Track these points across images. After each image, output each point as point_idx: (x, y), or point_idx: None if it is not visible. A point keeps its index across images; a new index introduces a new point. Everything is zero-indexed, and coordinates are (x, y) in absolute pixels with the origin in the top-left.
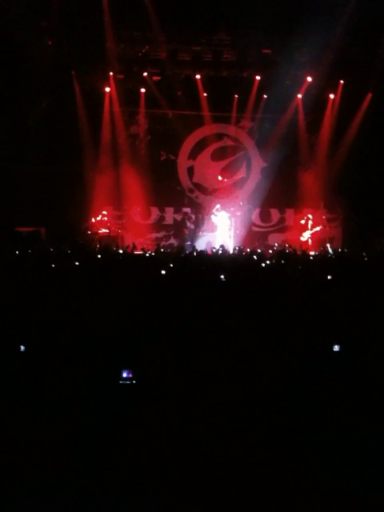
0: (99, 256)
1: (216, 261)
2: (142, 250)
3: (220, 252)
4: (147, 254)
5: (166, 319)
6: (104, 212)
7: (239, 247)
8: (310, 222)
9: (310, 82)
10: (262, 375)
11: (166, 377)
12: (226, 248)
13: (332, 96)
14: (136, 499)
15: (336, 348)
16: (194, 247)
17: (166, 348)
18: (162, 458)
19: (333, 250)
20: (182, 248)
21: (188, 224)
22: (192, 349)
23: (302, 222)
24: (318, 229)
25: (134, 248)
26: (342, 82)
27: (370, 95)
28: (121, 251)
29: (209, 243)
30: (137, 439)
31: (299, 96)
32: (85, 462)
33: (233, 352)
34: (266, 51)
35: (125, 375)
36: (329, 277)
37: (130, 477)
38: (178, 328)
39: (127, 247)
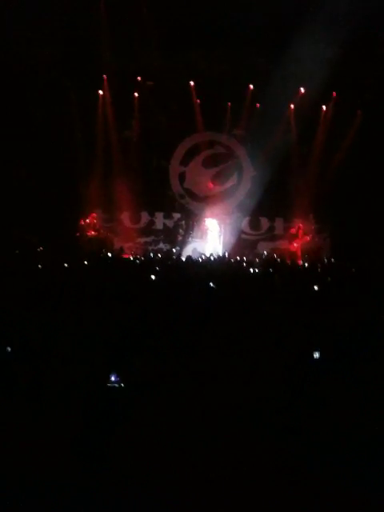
0: (86, 262)
1: (206, 267)
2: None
3: (212, 259)
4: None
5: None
6: (93, 214)
7: (224, 254)
8: (301, 232)
9: (303, 93)
10: (262, 375)
11: (166, 377)
12: (217, 255)
13: (324, 107)
14: (136, 499)
15: (316, 355)
16: (180, 253)
17: (165, 349)
18: (162, 457)
19: None
20: (170, 253)
21: (179, 230)
22: (191, 349)
23: (293, 231)
24: (307, 239)
25: (122, 252)
26: (334, 93)
27: (362, 108)
28: (109, 255)
29: (195, 250)
30: (137, 439)
31: (292, 106)
32: (85, 462)
33: (232, 352)
34: (261, 61)
35: (113, 379)
36: (315, 287)
37: (130, 477)
38: (173, 330)
39: (117, 251)
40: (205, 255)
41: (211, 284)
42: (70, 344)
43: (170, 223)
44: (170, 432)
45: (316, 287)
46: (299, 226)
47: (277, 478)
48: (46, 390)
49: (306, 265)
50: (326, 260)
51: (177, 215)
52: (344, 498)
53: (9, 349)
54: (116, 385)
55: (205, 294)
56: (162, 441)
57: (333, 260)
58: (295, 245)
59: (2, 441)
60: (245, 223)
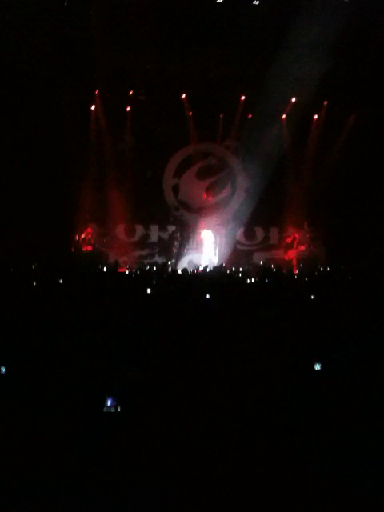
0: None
1: (201, 279)
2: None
3: (208, 270)
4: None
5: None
6: (88, 229)
7: (220, 265)
8: (296, 242)
9: (294, 102)
10: (262, 376)
11: (166, 377)
12: (213, 266)
13: (316, 116)
14: (136, 499)
15: (317, 367)
16: (176, 265)
17: (166, 351)
18: (162, 457)
19: None
20: (165, 266)
21: (175, 243)
22: (191, 352)
23: (289, 241)
24: (302, 248)
25: (118, 265)
26: (326, 102)
27: (353, 116)
28: (105, 269)
29: (191, 262)
30: (137, 439)
31: (284, 116)
32: (85, 462)
33: (232, 355)
34: (253, 71)
35: (109, 403)
36: (312, 296)
37: (130, 477)
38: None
39: (113, 264)
40: (201, 267)
41: (208, 296)
42: (70, 345)
43: (165, 236)
44: (169, 433)
45: (313, 296)
46: (295, 235)
47: (277, 478)
48: (46, 390)
49: (302, 273)
50: (321, 268)
51: (172, 227)
52: (344, 498)
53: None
54: (112, 409)
55: (203, 305)
56: (161, 441)
57: (328, 268)
58: (290, 254)
59: (2, 441)
60: (240, 233)
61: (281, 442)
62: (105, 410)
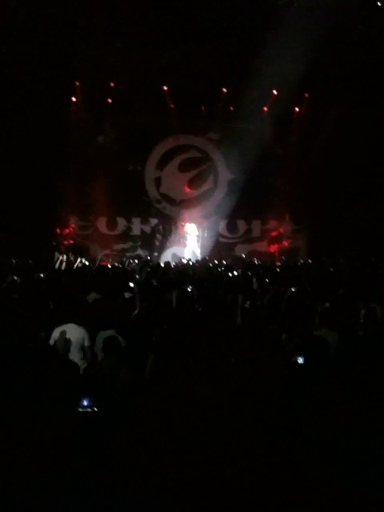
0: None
1: (184, 272)
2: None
3: (191, 263)
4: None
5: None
6: (71, 223)
7: (203, 258)
8: (281, 236)
9: (275, 95)
10: (262, 375)
11: (166, 377)
12: (196, 259)
13: (297, 109)
14: (136, 499)
15: (300, 360)
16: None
17: (164, 349)
18: (162, 457)
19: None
20: (147, 260)
21: (157, 235)
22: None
23: (274, 234)
24: (285, 241)
25: (101, 260)
26: (307, 94)
27: (335, 108)
28: (87, 263)
29: (174, 255)
30: (136, 439)
31: (265, 108)
32: (85, 462)
33: (231, 353)
34: (234, 64)
35: (85, 403)
36: (293, 289)
37: (130, 477)
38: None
39: (96, 259)
40: (184, 259)
41: (189, 288)
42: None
43: (147, 228)
44: (169, 432)
45: (293, 289)
46: (280, 230)
47: (277, 477)
48: (46, 390)
49: (285, 266)
50: (301, 260)
51: (154, 220)
52: (344, 498)
53: None
54: (89, 409)
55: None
56: (161, 441)
57: (309, 260)
58: (274, 248)
59: (2, 441)
60: (222, 226)
61: (281, 441)
62: (81, 409)
